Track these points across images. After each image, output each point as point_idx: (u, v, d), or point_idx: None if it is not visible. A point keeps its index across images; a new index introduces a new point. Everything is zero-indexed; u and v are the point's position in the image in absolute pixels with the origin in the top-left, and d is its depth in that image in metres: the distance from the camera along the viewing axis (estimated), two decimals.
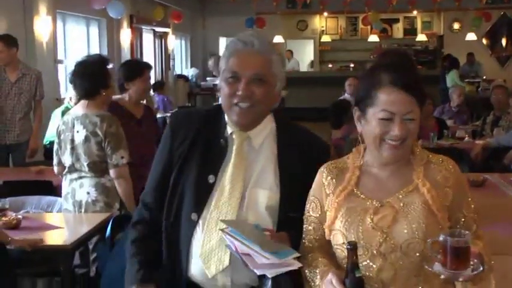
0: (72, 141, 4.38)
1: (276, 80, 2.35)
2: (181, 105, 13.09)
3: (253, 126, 2.37)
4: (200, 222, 2.29)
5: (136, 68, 5.24)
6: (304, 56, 20.64)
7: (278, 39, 18.49)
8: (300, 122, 2.61)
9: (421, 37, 19.65)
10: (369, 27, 19.24)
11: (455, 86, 11.76)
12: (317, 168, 2.30)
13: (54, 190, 4.92)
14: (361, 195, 2.13)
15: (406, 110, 2.05)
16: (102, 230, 3.76)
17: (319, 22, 20.56)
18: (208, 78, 17.64)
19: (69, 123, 4.42)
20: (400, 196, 2.09)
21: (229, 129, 2.37)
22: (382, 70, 2.10)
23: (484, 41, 19.16)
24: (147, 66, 5.34)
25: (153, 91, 12.66)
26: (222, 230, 2.16)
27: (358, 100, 2.16)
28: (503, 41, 19.30)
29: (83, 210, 4.36)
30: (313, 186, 2.25)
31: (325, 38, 20.38)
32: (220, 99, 2.46)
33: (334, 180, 2.19)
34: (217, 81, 17.35)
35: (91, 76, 4.35)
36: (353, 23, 20.55)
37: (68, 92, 9.00)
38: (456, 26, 19.55)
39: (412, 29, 20.43)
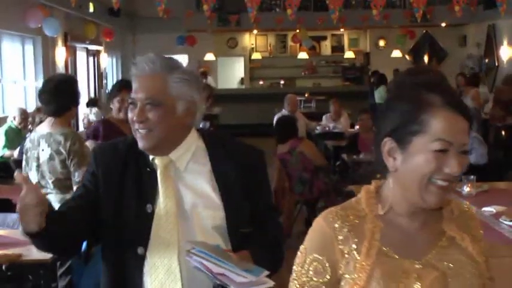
0: (38, 159, 4.43)
1: (174, 101, 2.22)
2: None
3: (165, 150, 2.27)
4: (148, 255, 2.19)
5: (114, 88, 5.08)
6: (235, 73, 20.87)
7: (209, 56, 18.67)
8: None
9: (349, 54, 20.22)
10: (298, 44, 19.65)
11: None
12: (258, 176, 2.27)
13: (13, 208, 4.88)
14: (393, 254, 1.64)
15: (465, 139, 1.60)
16: None
17: (249, 40, 20.83)
18: None
19: (35, 141, 4.47)
20: (439, 253, 1.66)
21: (150, 156, 2.30)
22: (427, 88, 1.62)
23: (408, 58, 19.82)
24: (123, 86, 4.86)
25: (87, 107, 12.68)
26: (188, 250, 2.06)
27: (394, 128, 1.63)
28: (426, 58, 20.07)
29: None
30: (311, 239, 1.71)
31: (256, 56, 20.72)
32: None
33: (352, 233, 1.65)
34: None
35: (65, 93, 4.42)
36: (282, 40, 20.94)
37: (10, 111, 8.92)
38: (382, 43, 20.20)
39: (340, 46, 20.98)
